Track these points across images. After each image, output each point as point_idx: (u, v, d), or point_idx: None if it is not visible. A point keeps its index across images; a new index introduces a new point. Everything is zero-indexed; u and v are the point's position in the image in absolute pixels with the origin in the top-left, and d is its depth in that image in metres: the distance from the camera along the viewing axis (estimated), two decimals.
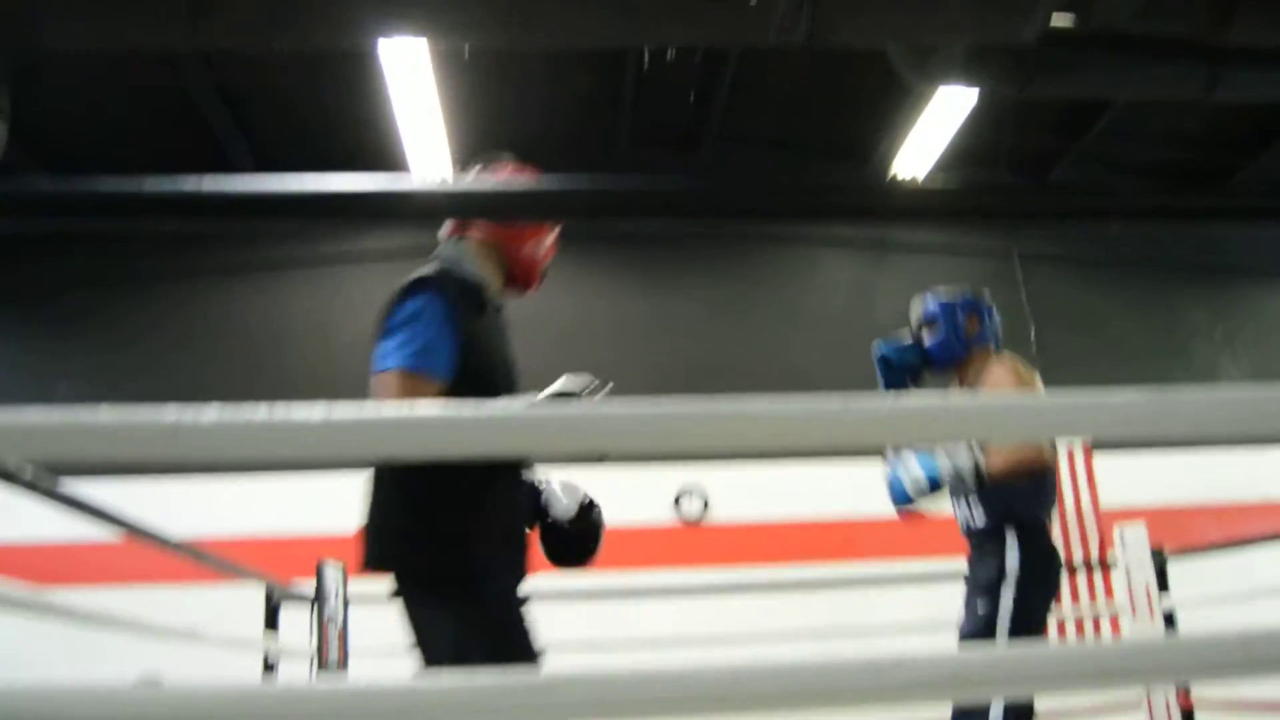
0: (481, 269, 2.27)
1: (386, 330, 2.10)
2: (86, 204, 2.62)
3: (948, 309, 2.97)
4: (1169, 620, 4.21)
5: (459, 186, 6.72)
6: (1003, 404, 1.06)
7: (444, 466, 1.83)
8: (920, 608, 6.55)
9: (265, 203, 6.46)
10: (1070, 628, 7.20)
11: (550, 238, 2.33)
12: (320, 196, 6.49)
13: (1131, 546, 4.42)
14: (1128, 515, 4.43)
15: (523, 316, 7.83)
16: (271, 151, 7.33)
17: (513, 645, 1.96)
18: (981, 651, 0.97)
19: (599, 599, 5.30)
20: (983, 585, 2.72)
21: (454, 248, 2.29)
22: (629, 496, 6.33)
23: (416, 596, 2.00)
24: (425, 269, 2.20)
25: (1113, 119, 7.59)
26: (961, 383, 3.07)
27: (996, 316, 2.99)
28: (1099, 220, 7.75)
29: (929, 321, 3.01)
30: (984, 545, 2.74)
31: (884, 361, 3.00)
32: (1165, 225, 8.06)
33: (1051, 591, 2.77)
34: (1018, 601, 2.61)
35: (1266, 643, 0.93)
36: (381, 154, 6.97)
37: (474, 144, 7.09)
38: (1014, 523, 2.68)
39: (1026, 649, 0.99)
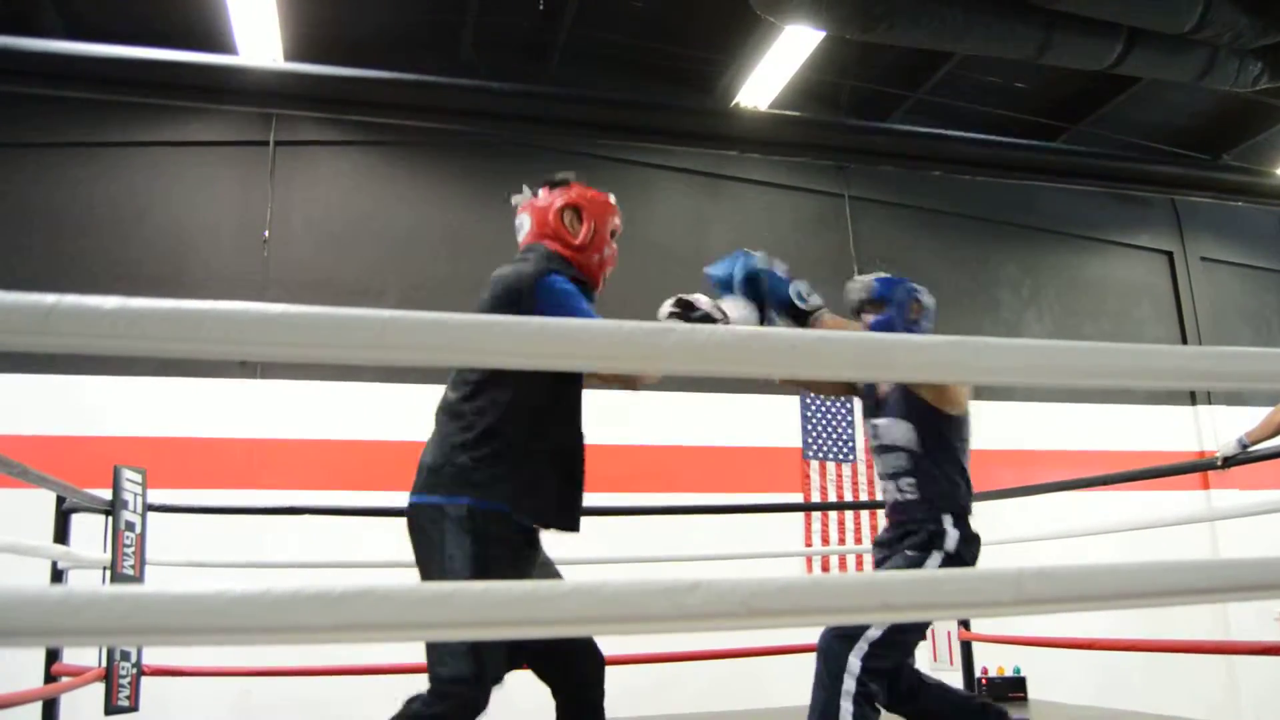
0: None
1: (555, 309, 2.19)
2: None
3: (894, 288, 2.87)
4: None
5: (287, 68, 6.46)
6: (837, 340, 1.06)
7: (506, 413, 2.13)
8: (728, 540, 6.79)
9: (77, 69, 6.05)
10: (867, 563, 7.56)
11: (612, 248, 2.46)
12: (141, 64, 6.13)
13: None
14: None
15: (352, 219, 7.59)
16: (85, 18, 6.77)
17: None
18: (776, 581, 0.97)
19: None
20: (910, 548, 2.72)
21: (537, 251, 2.39)
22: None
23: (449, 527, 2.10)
24: (538, 261, 2.32)
25: (949, 72, 7.83)
26: None
27: (933, 301, 2.95)
28: (928, 165, 8.07)
29: (876, 300, 2.88)
30: (910, 523, 2.75)
31: (752, 278, 2.79)
32: (989, 177, 8.40)
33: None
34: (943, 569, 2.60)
35: (1036, 580, 0.97)
36: (209, 38, 6.55)
37: (308, 35, 6.75)
38: (949, 509, 2.70)
39: (817, 578, 0.99)
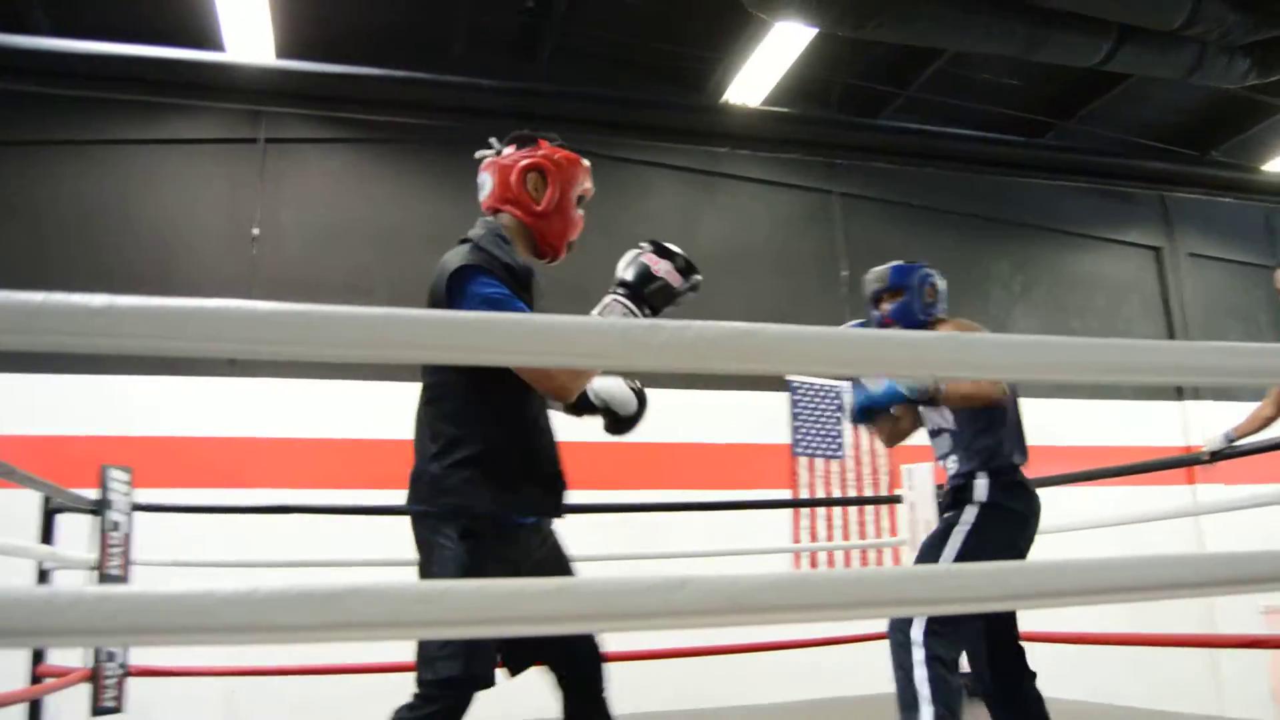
0: (515, 243, 2.25)
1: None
2: None
3: (909, 275, 3.00)
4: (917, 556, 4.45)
5: (277, 65, 6.45)
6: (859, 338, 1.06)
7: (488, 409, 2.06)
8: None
9: (66, 65, 6.02)
10: (855, 559, 7.59)
11: (578, 214, 2.31)
12: (131, 61, 6.10)
13: (918, 483, 4.65)
14: (917, 456, 4.63)
15: (341, 217, 7.58)
16: (74, 16, 6.74)
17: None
18: (763, 577, 0.97)
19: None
20: (946, 513, 2.82)
21: (487, 226, 2.27)
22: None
23: (442, 528, 2.06)
24: (467, 255, 2.16)
25: (940, 69, 7.84)
26: None
27: (944, 283, 3.06)
28: (919, 161, 8.10)
29: (893, 289, 3.01)
30: (958, 490, 2.82)
31: (865, 407, 2.92)
32: (978, 173, 8.43)
33: (1019, 526, 2.76)
34: (976, 527, 2.68)
35: (1018, 576, 0.97)
36: (200, 35, 6.52)
37: (300, 30, 6.73)
38: (986, 467, 2.77)
39: (804, 575, 1.00)
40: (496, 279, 2.10)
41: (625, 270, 2.19)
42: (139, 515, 4.18)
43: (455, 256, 2.17)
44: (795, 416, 7.80)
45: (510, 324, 1.01)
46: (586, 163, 2.32)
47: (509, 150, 2.31)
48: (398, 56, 6.80)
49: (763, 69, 7.38)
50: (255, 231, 7.08)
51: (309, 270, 7.12)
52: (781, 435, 7.75)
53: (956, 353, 1.08)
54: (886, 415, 2.99)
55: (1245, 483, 7.52)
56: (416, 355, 0.98)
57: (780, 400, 7.76)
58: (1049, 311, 9.61)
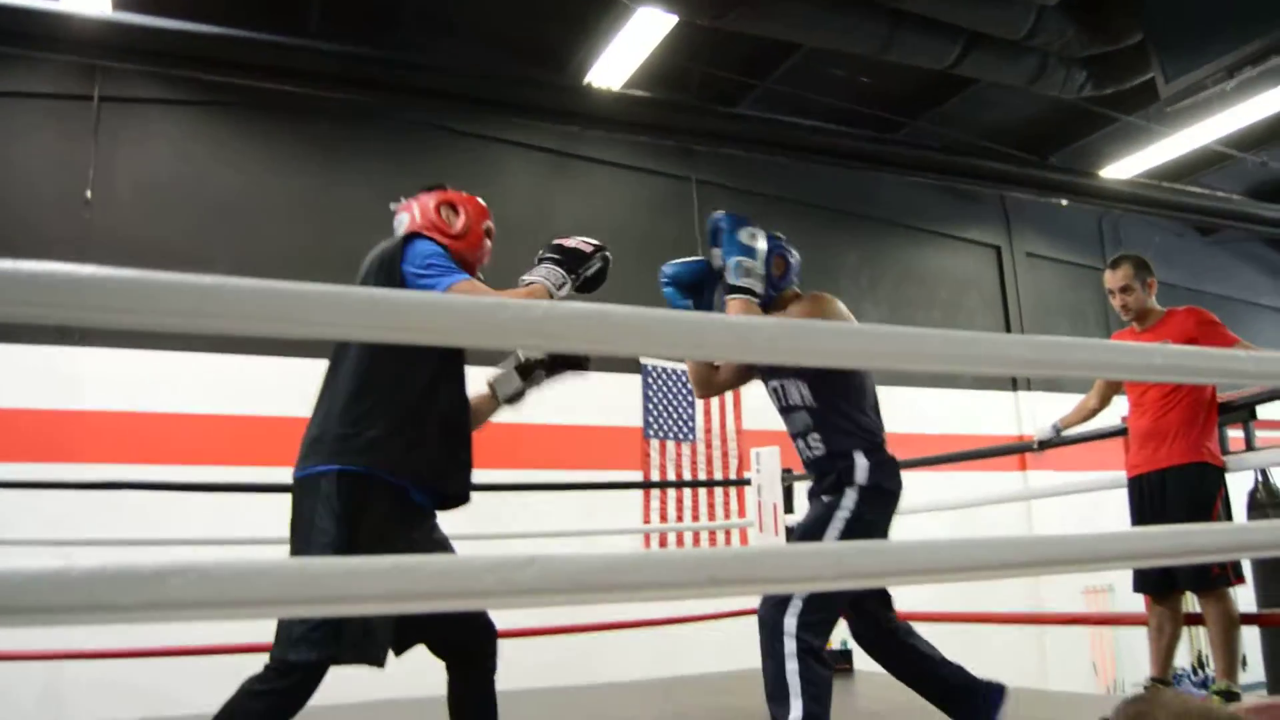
0: None
1: (417, 274, 2.23)
2: None
3: (738, 231, 2.81)
4: (790, 535, 4.56)
5: (113, 18, 6.09)
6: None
7: (391, 380, 2.15)
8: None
9: None
10: (704, 539, 7.70)
11: (487, 244, 2.55)
12: None
13: (766, 467, 4.74)
14: (765, 439, 4.72)
15: (183, 183, 7.24)
16: None
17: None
18: (603, 557, 0.97)
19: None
20: (823, 495, 2.76)
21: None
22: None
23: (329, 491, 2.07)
24: (400, 236, 2.38)
25: (797, 63, 7.99)
26: None
27: (797, 256, 2.99)
28: (771, 150, 8.25)
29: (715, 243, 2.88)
30: (827, 469, 2.76)
31: (674, 281, 2.93)
32: (832, 165, 8.64)
33: (892, 505, 2.74)
34: (858, 513, 2.64)
35: (857, 555, 0.99)
36: None
37: None
38: (861, 446, 2.72)
39: (647, 555, 1.00)
40: (443, 248, 2.32)
41: (544, 249, 2.43)
42: None
43: (395, 237, 2.37)
44: (648, 400, 7.87)
45: (356, 298, 0.97)
46: (483, 205, 2.55)
47: (420, 195, 2.53)
48: (250, 20, 6.52)
49: (624, 53, 7.39)
50: (89, 193, 6.71)
51: (146, 237, 6.78)
52: (634, 418, 7.80)
53: (796, 340, 1.10)
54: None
55: (1071, 469, 7.95)
56: (244, 328, 0.93)
57: (633, 383, 7.82)
58: (895, 304, 9.94)
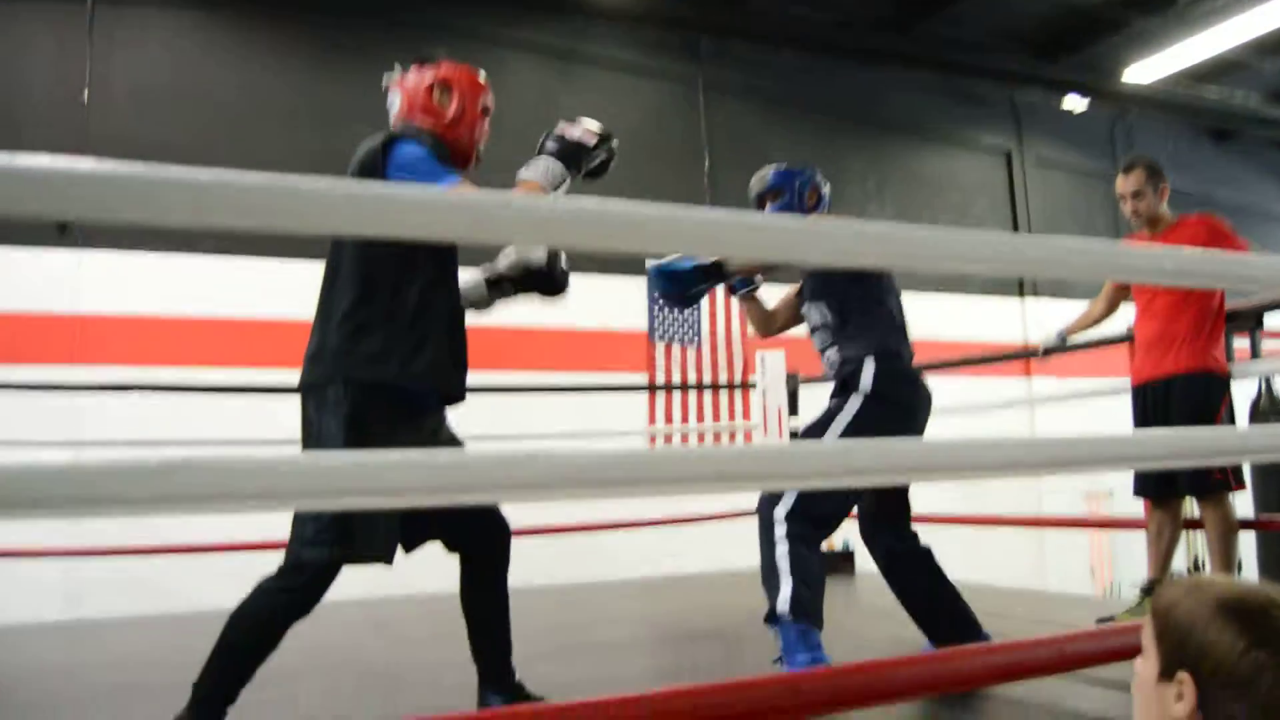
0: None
1: (402, 177, 2.17)
2: None
3: (790, 178, 3.07)
4: (795, 438, 4.60)
5: None
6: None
7: (380, 292, 2.14)
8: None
9: None
10: (709, 440, 7.77)
11: (485, 124, 2.45)
12: None
13: (770, 371, 4.76)
14: (771, 343, 4.72)
15: (181, 85, 7.13)
16: None
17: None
18: (604, 452, 0.97)
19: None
20: (832, 399, 2.86)
21: (404, 129, 2.36)
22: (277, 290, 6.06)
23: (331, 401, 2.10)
24: (393, 131, 2.31)
25: None
26: None
27: (828, 190, 3.08)
28: (780, 41, 8.10)
29: (774, 189, 3.08)
30: (846, 376, 2.84)
31: (664, 275, 2.96)
32: (837, 61, 8.49)
33: (902, 418, 2.79)
34: (857, 416, 2.72)
35: (865, 453, 1.00)
36: None
37: None
38: (871, 352, 2.82)
39: (642, 451, 1.01)
40: (426, 147, 2.23)
41: (545, 138, 2.34)
42: None
43: (377, 136, 2.26)
44: (654, 303, 7.85)
45: (356, 193, 0.96)
46: (484, 78, 2.44)
47: (413, 70, 2.43)
48: None
49: None
50: (86, 96, 6.62)
51: (145, 140, 6.68)
52: (640, 322, 7.80)
53: (809, 237, 1.09)
54: (698, 291, 3.03)
55: (1076, 376, 7.95)
56: (248, 223, 0.93)
57: (638, 285, 7.79)
58: (902, 209, 9.84)
